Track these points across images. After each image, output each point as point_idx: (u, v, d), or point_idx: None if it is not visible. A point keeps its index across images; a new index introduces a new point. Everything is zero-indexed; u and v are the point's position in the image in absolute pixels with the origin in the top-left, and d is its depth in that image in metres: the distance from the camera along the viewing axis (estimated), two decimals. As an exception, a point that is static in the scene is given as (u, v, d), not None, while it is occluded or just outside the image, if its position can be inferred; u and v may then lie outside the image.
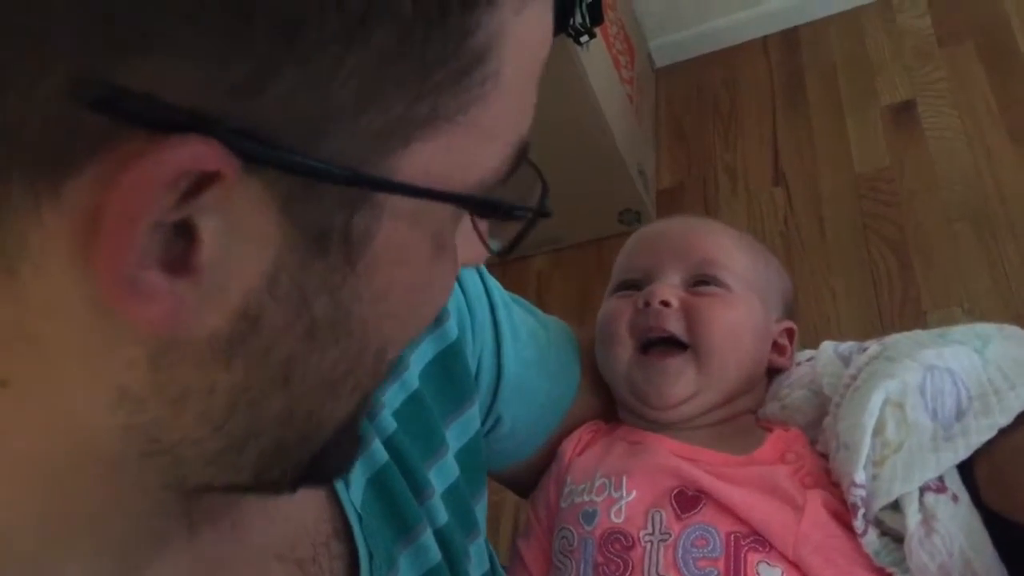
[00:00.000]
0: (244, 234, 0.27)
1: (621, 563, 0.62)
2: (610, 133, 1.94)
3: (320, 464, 0.37)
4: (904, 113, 2.06)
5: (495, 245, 0.38)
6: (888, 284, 1.80)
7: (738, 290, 0.70)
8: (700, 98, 2.37)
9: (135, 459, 0.32)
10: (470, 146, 0.30)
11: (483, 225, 0.36)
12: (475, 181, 0.31)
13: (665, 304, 0.68)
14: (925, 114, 2.03)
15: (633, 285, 0.72)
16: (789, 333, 0.74)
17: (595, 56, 1.90)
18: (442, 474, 0.57)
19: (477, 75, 0.29)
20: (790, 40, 2.37)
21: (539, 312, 0.71)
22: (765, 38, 2.40)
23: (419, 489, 0.54)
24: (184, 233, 0.27)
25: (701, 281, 0.70)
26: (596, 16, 1.81)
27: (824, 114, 2.16)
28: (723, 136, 2.24)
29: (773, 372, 0.74)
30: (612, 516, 0.64)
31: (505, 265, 2.11)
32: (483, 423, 0.63)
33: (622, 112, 2.06)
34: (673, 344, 0.68)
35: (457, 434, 0.59)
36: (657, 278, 0.71)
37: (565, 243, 2.13)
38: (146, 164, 0.25)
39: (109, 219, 0.25)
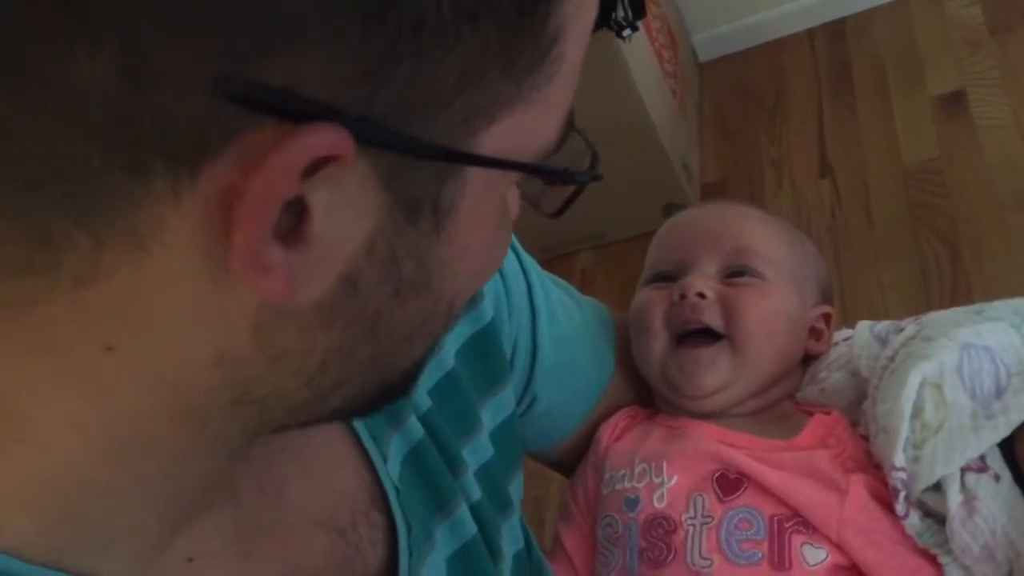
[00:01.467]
0: (349, 207, 0.30)
1: (664, 547, 0.62)
2: (653, 128, 1.94)
3: (388, 396, 0.40)
4: (953, 103, 2.02)
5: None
6: (938, 276, 1.77)
7: (774, 279, 0.70)
8: (744, 92, 2.35)
9: (224, 409, 0.34)
10: (538, 119, 0.33)
11: (533, 189, 0.39)
12: (538, 150, 0.34)
13: (701, 296, 0.68)
14: (975, 103, 2.00)
15: (667, 276, 0.72)
16: (826, 318, 0.74)
17: (638, 50, 1.90)
18: (476, 452, 0.57)
19: (550, 56, 0.31)
20: (836, 31, 2.34)
21: (576, 293, 0.71)
22: (811, 30, 2.38)
23: (454, 465, 0.54)
24: (295, 208, 0.29)
25: (736, 271, 0.70)
26: (638, 10, 1.80)
27: (871, 105, 2.13)
28: (768, 129, 2.22)
29: (810, 358, 0.73)
30: (655, 501, 0.64)
31: (549, 261, 2.11)
32: (518, 403, 0.63)
33: (665, 106, 2.05)
34: (708, 335, 0.68)
35: (492, 414, 0.59)
36: (692, 269, 0.70)
37: (609, 239, 2.13)
38: (287, 151, 0.27)
39: (250, 201, 0.27)
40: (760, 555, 0.59)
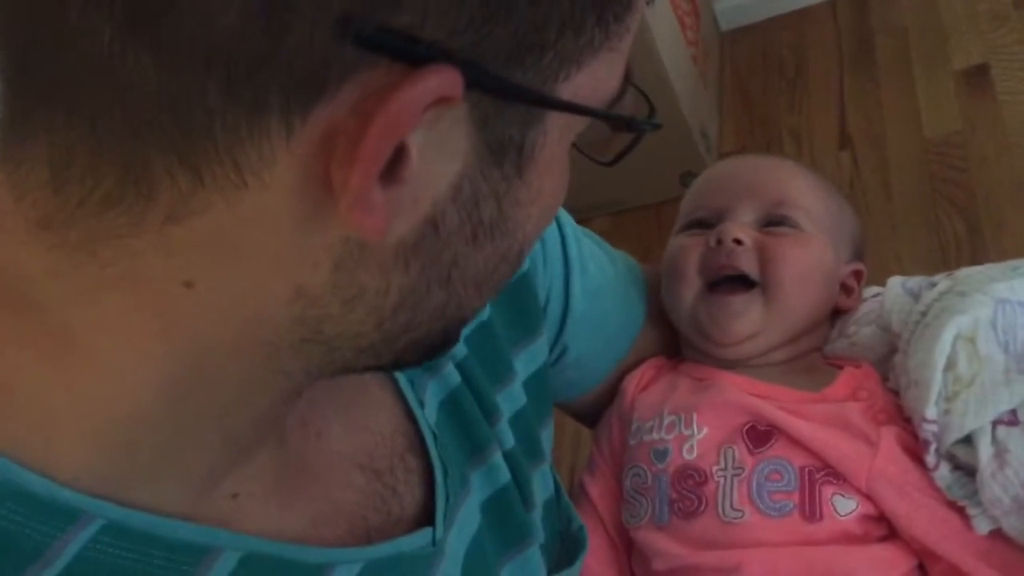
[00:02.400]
0: (443, 149, 0.31)
1: (696, 498, 0.63)
2: (673, 95, 1.92)
3: (443, 347, 0.40)
4: (977, 77, 2.00)
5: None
6: (956, 250, 1.76)
7: (810, 231, 0.70)
8: (766, 62, 2.33)
9: (292, 347, 0.34)
10: (610, 68, 0.34)
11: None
12: (605, 98, 0.35)
13: (737, 242, 0.68)
14: (999, 78, 1.98)
15: (703, 223, 0.72)
16: (857, 275, 0.74)
17: (660, 17, 1.88)
18: (510, 400, 0.58)
19: (632, 7, 0.33)
20: (860, 3, 2.32)
21: (608, 246, 0.71)
22: (834, 1, 2.36)
23: (489, 412, 0.55)
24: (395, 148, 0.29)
25: (775, 221, 0.70)
26: (662, -25, 1.79)
27: (893, 78, 2.11)
28: (788, 100, 2.21)
29: (839, 313, 0.74)
30: (684, 453, 0.64)
31: (565, 228, 2.10)
32: (550, 353, 0.64)
33: (686, 74, 2.04)
34: (741, 283, 0.68)
35: (525, 363, 0.60)
36: (729, 217, 0.70)
37: (625, 205, 2.12)
38: (411, 91, 0.28)
39: (370, 139, 0.28)
40: (791, 506, 0.60)
